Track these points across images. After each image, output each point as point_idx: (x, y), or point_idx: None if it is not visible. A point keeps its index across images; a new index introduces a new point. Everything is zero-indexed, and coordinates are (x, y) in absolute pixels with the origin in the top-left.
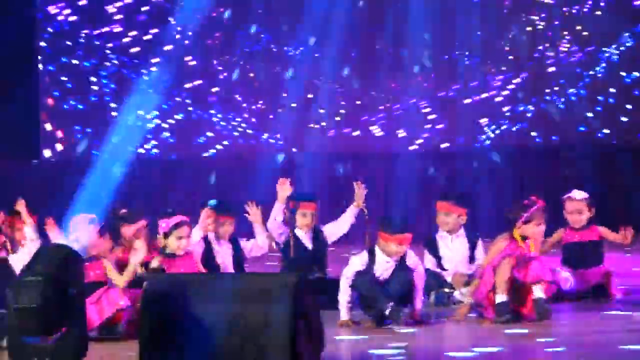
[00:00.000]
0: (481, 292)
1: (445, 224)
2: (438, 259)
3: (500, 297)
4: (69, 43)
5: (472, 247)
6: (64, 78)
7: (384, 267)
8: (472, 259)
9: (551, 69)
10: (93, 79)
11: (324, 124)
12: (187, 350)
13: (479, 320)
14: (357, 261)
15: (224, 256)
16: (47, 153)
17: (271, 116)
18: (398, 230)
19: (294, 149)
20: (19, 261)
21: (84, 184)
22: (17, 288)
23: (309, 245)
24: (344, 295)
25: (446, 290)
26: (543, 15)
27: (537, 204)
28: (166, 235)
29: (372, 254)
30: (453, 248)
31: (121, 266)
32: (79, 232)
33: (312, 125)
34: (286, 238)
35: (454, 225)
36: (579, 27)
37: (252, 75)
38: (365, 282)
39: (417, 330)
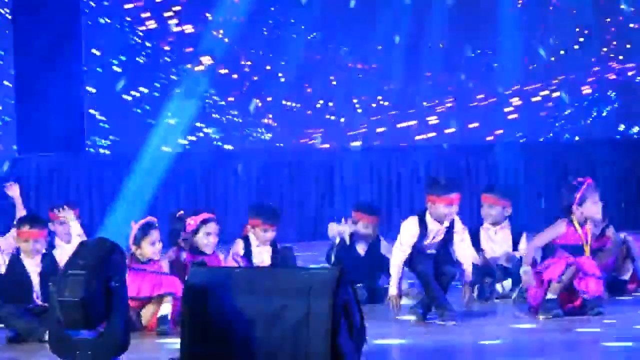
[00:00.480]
0: (531, 293)
1: (489, 216)
2: (480, 251)
3: (551, 295)
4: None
5: (516, 241)
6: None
7: (434, 232)
8: (514, 251)
9: None
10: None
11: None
12: (228, 343)
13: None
14: (409, 229)
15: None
16: (94, 144)
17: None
18: (446, 190)
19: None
20: (64, 255)
21: (128, 178)
22: (61, 282)
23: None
24: (397, 266)
25: (487, 280)
26: None
27: (586, 182)
28: (194, 232)
29: (422, 221)
30: (496, 240)
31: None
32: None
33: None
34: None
35: (498, 217)
36: None
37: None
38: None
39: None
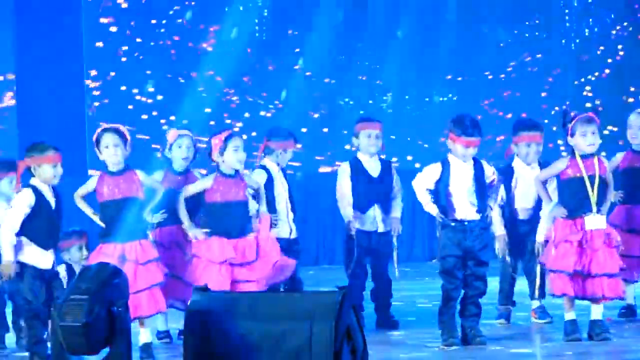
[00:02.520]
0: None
1: (531, 154)
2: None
3: (569, 315)
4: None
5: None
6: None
7: (460, 171)
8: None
9: None
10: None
11: None
12: None
13: None
14: (430, 169)
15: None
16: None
17: None
18: (466, 132)
19: None
20: None
21: None
22: (63, 307)
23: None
24: (427, 201)
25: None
26: None
27: (578, 115)
28: (222, 150)
29: (445, 162)
30: (529, 178)
31: None
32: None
33: None
34: None
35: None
36: None
37: None
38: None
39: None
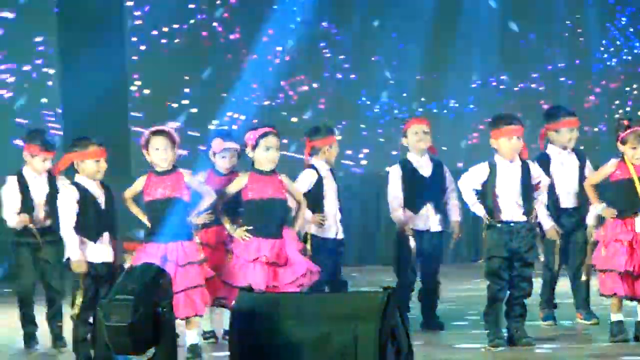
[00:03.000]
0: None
1: (570, 140)
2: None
3: (616, 316)
4: None
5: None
6: None
7: (507, 172)
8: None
9: None
10: None
11: None
12: None
13: None
14: (477, 169)
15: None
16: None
17: None
18: (507, 121)
19: None
20: None
21: None
22: (108, 307)
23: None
24: (473, 202)
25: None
26: None
27: (634, 128)
28: (254, 147)
29: (492, 162)
30: (568, 164)
31: None
32: None
33: None
34: None
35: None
36: None
37: None
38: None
39: None
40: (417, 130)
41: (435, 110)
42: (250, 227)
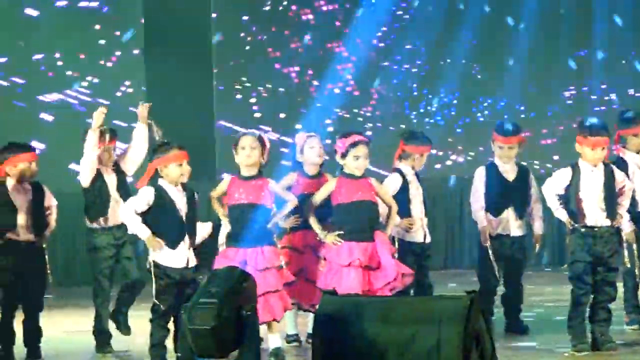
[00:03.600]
0: None
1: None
2: None
3: None
4: None
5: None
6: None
7: (590, 176)
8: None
9: None
10: None
11: None
12: None
13: None
14: (561, 174)
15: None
16: None
17: None
18: (594, 132)
19: None
20: None
21: None
22: (192, 310)
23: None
24: (556, 206)
25: None
26: None
27: None
28: (343, 155)
29: (575, 167)
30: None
31: None
32: None
33: None
34: None
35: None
36: None
37: None
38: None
39: None
40: (502, 145)
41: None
42: (341, 232)
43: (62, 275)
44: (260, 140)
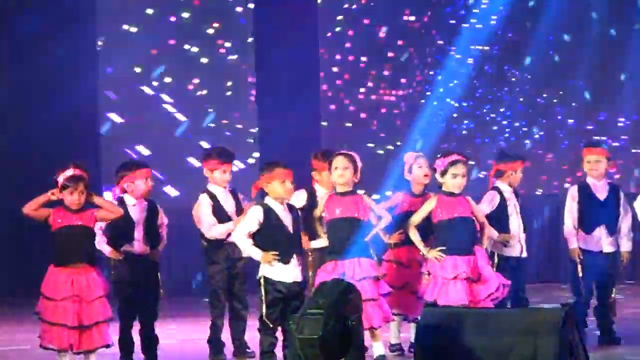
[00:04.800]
0: None
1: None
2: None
3: None
4: None
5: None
6: None
7: None
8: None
9: None
10: None
11: None
12: None
13: None
14: None
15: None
16: None
17: None
18: None
19: None
20: None
21: None
22: (300, 321)
23: None
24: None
25: None
26: None
27: None
28: (443, 173)
29: None
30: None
31: None
32: None
33: None
34: None
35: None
36: None
37: None
38: None
39: None
40: (590, 159)
41: None
42: (444, 247)
43: (175, 287)
44: (352, 160)
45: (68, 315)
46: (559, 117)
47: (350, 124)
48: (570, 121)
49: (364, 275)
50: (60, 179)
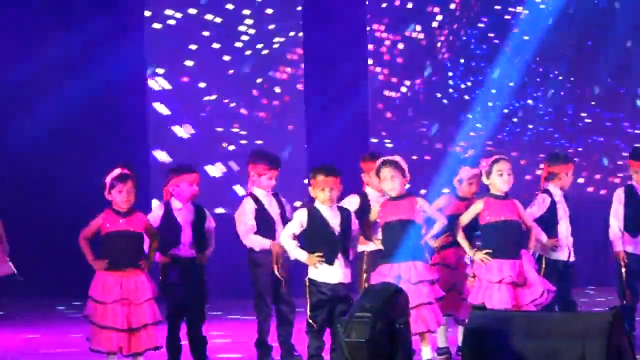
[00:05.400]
0: None
1: None
2: None
3: None
4: None
5: None
6: None
7: None
8: None
9: None
10: None
11: None
12: None
13: None
14: None
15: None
16: None
17: None
18: None
19: None
20: None
21: None
22: (348, 324)
23: None
24: None
25: None
26: None
27: None
28: (488, 173)
29: None
30: None
31: None
32: None
33: None
34: None
35: None
36: None
37: None
38: None
39: None
40: (637, 170)
41: None
42: (490, 250)
43: (223, 288)
44: (398, 167)
45: (117, 318)
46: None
47: (395, 119)
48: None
49: (420, 279)
50: (108, 179)
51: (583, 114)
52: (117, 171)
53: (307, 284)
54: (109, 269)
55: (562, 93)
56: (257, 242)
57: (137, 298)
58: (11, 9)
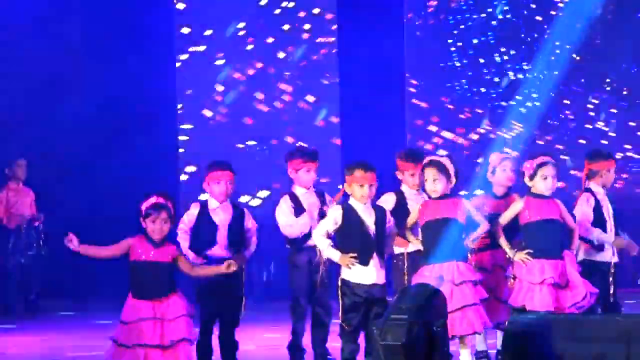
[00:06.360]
0: None
1: None
2: None
3: None
4: None
5: None
6: None
7: None
8: None
9: None
10: None
11: None
12: None
13: None
14: None
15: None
16: None
17: None
18: None
19: None
20: None
21: None
22: (384, 326)
23: None
24: None
25: None
26: None
27: None
28: (532, 176)
29: None
30: None
31: None
32: None
33: None
34: None
35: None
36: None
37: None
38: None
39: None
40: None
41: None
42: (531, 250)
43: (255, 290)
44: (443, 169)
45: (147, 335)
46: None
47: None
48: None
49: (464, 279)
50: (143, 207)
51: None
52: (152, 200)
53: (340, 285)
54: (138, 298)
55: None
56: (296, 225)
57: (169, 314)
58: None
